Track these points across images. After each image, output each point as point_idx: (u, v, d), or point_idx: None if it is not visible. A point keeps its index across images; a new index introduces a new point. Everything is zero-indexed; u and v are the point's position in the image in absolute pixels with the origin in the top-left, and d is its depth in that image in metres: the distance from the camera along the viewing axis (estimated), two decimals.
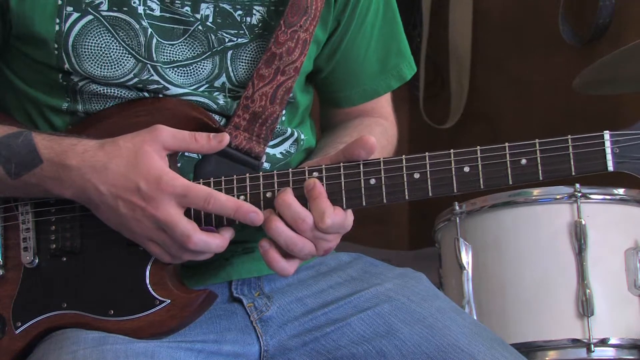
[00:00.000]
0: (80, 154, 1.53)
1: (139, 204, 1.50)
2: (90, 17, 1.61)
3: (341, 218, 1.51)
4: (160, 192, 1.49)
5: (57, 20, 1.60)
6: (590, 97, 3.15)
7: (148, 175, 1.50)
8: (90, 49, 1.61)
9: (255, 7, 1.67)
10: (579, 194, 2.31)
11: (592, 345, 2.25)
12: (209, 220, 1.55)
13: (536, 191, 2.36)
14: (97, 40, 1.61)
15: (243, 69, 1.67)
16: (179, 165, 1.64)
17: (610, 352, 2.28)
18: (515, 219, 2.37)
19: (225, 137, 1.57)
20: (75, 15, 1.61)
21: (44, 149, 1.55)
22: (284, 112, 1.71)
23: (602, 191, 2.34)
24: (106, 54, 1.61)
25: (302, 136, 1.76)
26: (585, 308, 2.26)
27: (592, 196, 2.33)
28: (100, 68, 1.62)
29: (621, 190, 2.35)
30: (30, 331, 1.60)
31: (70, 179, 1.54)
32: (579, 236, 2.29)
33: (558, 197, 2.33)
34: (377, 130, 1.83)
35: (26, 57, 1.65)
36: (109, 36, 1.62)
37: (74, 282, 1.59)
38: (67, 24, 1.60)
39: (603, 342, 2.27)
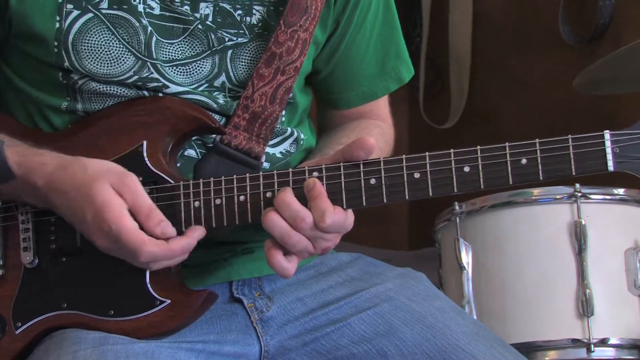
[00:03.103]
0: (47, 175, 1.54)
1: (86, 231, 1.53)
2: (90, 14, 1.61)
3: (341, 217, 1.51)
4: (102, 230, 1.50)
5: (57, 18, 1.60)
6: (590, 97, 3.16)
7: (93, 206, 1.50)
8: (91, 47, 1.61)
9: (255, 6, 1.67)
10: (579, 194, 2.31)
11: (592, 345, 2.26)
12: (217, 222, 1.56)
13: (536, 191, 2.36)
14: (97, 38, 1.61)
15: (243, 68, 1.68)
16: (178, 165, 1.64)
17: (610, 352, 2.29)
18: (515, 219, 2.37)
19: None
20: (76, 12, 1.61)
21: (15, 165, 1.55)
22: (283, 112, 1.71)
23: (602, 191, 2.35)
24: (106, 51, 1.62)
25: (302, 136, 1.77)
26: (585, 308, 2.26)
27: (592, 196, 2.33)
28: (101, 66, 1.62)
29: (621, 190, 2.35)
30: (31, 331, 1.59)
31: (39, 197, 1.56)
32: (579, 236, 2.29)
33: (558, 197, 2.34)
34: (375, 132, 1.83)
35: (26, 55, 1.66)
36: (109, 34, 1.62)
37: (74, 282, 1.59)
38: (67, 22, 1.60)
39: (603, 342, 2.27)
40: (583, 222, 2.30)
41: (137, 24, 1.62)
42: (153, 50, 1.63)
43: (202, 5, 1.65)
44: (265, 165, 1.70)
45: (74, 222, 1.55)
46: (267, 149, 1.69)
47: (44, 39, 1.61)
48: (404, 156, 1.53)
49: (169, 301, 1.56)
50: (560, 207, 2.34)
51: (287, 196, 1.51)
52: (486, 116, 4.03)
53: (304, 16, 1.67)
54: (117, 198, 1.50)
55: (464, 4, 4.07)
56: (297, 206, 1.50)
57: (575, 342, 2.27)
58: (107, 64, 1.62)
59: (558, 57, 3.64)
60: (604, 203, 2.36)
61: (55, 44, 1.61)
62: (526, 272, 2.33)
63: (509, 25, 3.95)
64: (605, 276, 2.31)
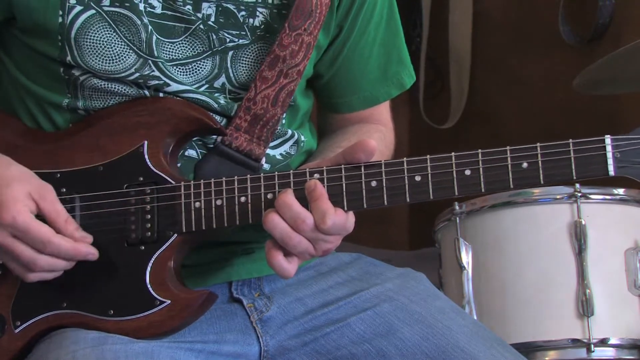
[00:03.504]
0: None
1: None
2: (92, 11, 1.61)
3: (342, 219, 1.51)
4: (0, 219, 1.50)
5: (60, 13, 1.61)
6: (590, 97, 3.15)
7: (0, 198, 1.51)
8: (92, 43, 1.61)
9: (259, 8, 1.67)
10: (579, 194, 2.31)
11: (592, 345, 2.26)
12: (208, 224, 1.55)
13: (536, 191, 2.36)
14: (99, 35, 1.61)
15: (243, 70, 1.67)
16: (178, 165, 1.64)
17: (610, 352, 2.29)
18: (515, 219, 2.37)
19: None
20: (78, 8, 1.61)
21: None
22: (284, 114, 1.71)
23: (602, 191, 2.35)
24: (108, 48, 1.62)
25: (302, 138, 1.76)
26: (585, 308, 2.26)
27: (592, 196, 2.34)
28: (102, 62, 1.62)
29: (621, 190, 2.36)
30: (30, 331, 1.59)
31: None
32: (579, 236, 2.30)
33: (558, 197, 2.34)
34: (375, 136, 1.82)
35: (30, 50, 1.66)
36: (110, 31, 1.62)
37: (74, 281, 1.59)
38: (70, 17, 1.61)
39: (603, 342, 2.27)
40: (583, 222, 2.30)
41: (139, 22, 1.63)
42: (154, 48, 1.63)
43: (205, 5, 1.65)
44: (266, 166, 1.70)
45: None
46: (268, 151, 1.69)
47: (48, 32, 1.61)
48: (405, 159, 1.53)
49: (169, 301, 1.56)
50: (560, 207, 2.34)
51: (288, 197, 1.51)
52: (486, 116, 4.02)
53: (309, 20, 1.66)
54: (29, 201, 1.52)
55: (464, 4, 4.06)
56: (298, 208, 1.50)
57: (575, 342, 2.28)
58: (109, 60, 1.62)
59: (558, 57, 3.64)
60: (604, 203, 2.36)
61: (59, 37, 1.61)
62: (526, 272, 2.33)
63: (509, 25, 3.95)
64: (605, 276, 2.31)
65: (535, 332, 2.31)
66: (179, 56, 1.65)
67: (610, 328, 2.29)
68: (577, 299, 2.28)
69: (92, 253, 1.55)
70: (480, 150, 1.51)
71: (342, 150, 1.56)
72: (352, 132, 1.83)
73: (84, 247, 1.54)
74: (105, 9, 1.62)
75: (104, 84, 1.64)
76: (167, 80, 1.64)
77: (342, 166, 1.54)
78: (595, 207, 2.34)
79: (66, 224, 1.54)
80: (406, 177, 1.52)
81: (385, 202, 1.53)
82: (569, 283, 2.30)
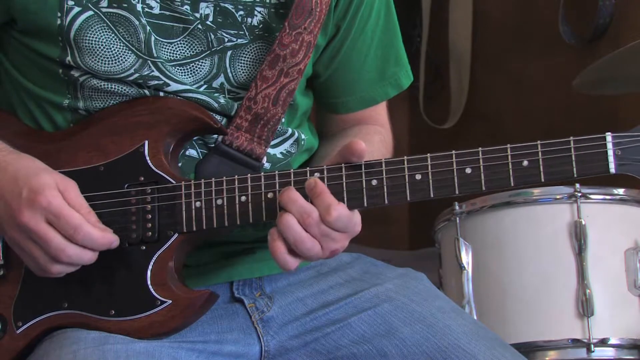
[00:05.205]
0: None
1: (15, 205, 1.51)
2: (90, 12, 1.62)
3: (347, 212, 1.50)
4: (36, 202, 1.49)
5: (59, 14, 1.61)
6: (590, 97, 3.16)
7: (32, 185, 1.50)
8: (91, 44, 1.61)
9: (257, 8, 1.67)
10: (579, 194, 2.32)
11: (592, 345, 2.26)
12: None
13: (536, 191, 2.36)
14: (97, 36, 1.62)
15: (242, 70, 1.68)
16: (179, 165, 1.64)
17: (610, 352, 2.29)
18: (515, 219, 2.37)
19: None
20: (77, 9, 1.61)
21: None
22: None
23: (602, 191, 2.35)
24: (107, 49, 1.62)
25: (303, 136, 1.77)
26: (585, 308, 2.26)
27: (592, 196, 2.34)
28: (101, 63, 1.62)
29: (621, 190, 2.36)
30: (31, 331, 1.59)
31: None
32: (579, 236, 2.30)
33: (558, 197, 2.34)
34: (376, 138, 1.82)
35: (30, 51, 1.66)
36: (109, 32, 1.62)
37: (75, 282, 1.59)
38: (68, 18, 1.61)
39: (603, 342, 2.28)
40: (583, 222, 2.30)
41: (137, 23, 1.63)
42: (153, 48, 1.63)
43: (202, 5, 1.65)
44: (267, 165, 1.70)
45: (5, 197, 1.52)
46: (268, 150, 1.69)
47: (48, 34, 1.62)
48: (405, 157, 1.53)
49: (170, 301, 1.56)
50: (560, 207, 2.34)
51: (292, 193, 1.50)
52: (486, 116, 4.02)
53: (309, 18, 1.66)
54: (56, 190, 1.51)
55: (464, 3, 4.06)
56: (303, 202, 1.49)
57: (575, 342, 2.28)
58: (108, 61, 1.62)
59: (558, 57, 3.64)
60: (604, 203, 2.36)
61: (60, 38, 1.61)
62: (526, 272, 2.33)
63: (509, 25, 3.95)
64: (605, 276, 2.31)
65: (535, 332, 2.31)
66: (177, 56, 1.65)
67: (610, 328, 2.29)
68: (577, 299, 2.28)
69: (117, 239, 1.54)
70: (480, 149, 1.50)
71: (335, 154, 1.56)
72: (352, 135, 1.82)
73: (110, 235, 1.53)
74: (103, 10, 1.62)
75: (104, 85, 1.64)
76: (167, 80, 1.64)
77: (343, 165, 1.54)
78: (595, 207, 2.34)
79: (89, 215, 1.53)
80: (407, 176, 1.52)
81: (386, 200, 1.53)
82: (569, 283, 2.30)
